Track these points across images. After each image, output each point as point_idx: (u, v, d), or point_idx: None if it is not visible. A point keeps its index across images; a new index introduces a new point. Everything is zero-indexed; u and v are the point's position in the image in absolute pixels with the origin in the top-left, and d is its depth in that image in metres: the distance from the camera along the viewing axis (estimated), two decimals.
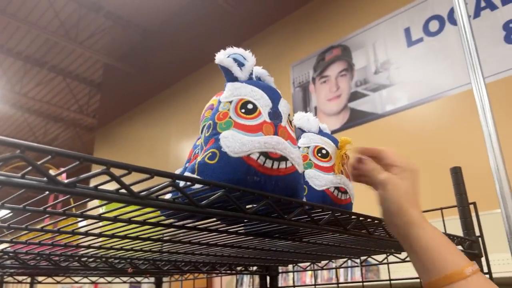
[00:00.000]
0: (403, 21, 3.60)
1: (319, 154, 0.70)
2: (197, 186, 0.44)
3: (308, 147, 0.73)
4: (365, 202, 0.92)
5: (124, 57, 6.83)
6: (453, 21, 3.27)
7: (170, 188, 0.40)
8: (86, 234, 0.62)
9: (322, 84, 4.14)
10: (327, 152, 0.70)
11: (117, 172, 0.34)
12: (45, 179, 0.31)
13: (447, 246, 0.52)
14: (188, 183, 0.41)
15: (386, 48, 3.68)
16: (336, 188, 0.68)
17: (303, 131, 0.77)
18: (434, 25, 3.39)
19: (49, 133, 9.67)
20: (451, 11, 3.28)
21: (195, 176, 0.47)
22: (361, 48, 3.88)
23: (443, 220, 0.99)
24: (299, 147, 0.73)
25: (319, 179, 0.68)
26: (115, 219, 0.51)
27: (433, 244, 0.52)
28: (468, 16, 1.17)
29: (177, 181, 0.46)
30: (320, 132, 0.76)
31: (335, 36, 4.12)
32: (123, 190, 0.36)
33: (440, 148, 3.02)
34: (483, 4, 3.11)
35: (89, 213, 0.48)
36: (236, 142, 0.47)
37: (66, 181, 0.33)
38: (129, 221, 0.52)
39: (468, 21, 1.14)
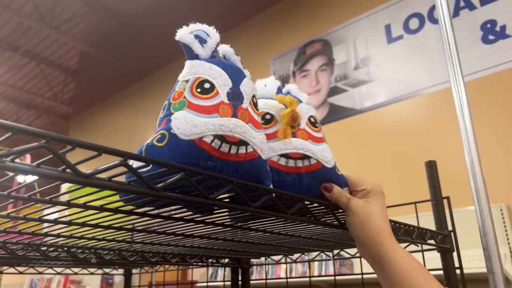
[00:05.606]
0: (384, 17, 3.61)
1: (263, 121, 0.60)
2: (149, 168, 0.40)
3: None
4: None
5: (101, 44, 6.65)
6: (433, 20, 3.29)
7: (124, 170, 0.36)
8: (41, 220, 0.58)
9: (302, 78, 4.12)
10: (272, 116, 0.61)
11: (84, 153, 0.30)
12: None
13: (419, 272, 0.51)
14: (141, 163, 0.37)
15: (367, 44, 3.68)
16: (283, 155, 0.58)
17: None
18: (414, 23, 3.41)
19: (21, 120, 9.38)
20: (431, 10, 3.30)
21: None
22: (341, 43, 3.88)
23: (417, 214, 0.99)
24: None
25: None
26: (84, 206, 0.46)
27: (406, 269, 0.51)
28: (449, 15, 1.16)
29: (133, 162, 0.42)
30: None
31: (316, 30, 4.11)
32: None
33: (416, 144, 3.05)
34: (462, 3, 3.14)
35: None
36: (187, 124, 0.43)
37: None
38: (101, 209, 0.47)
39: (450, 20, 1.13)
